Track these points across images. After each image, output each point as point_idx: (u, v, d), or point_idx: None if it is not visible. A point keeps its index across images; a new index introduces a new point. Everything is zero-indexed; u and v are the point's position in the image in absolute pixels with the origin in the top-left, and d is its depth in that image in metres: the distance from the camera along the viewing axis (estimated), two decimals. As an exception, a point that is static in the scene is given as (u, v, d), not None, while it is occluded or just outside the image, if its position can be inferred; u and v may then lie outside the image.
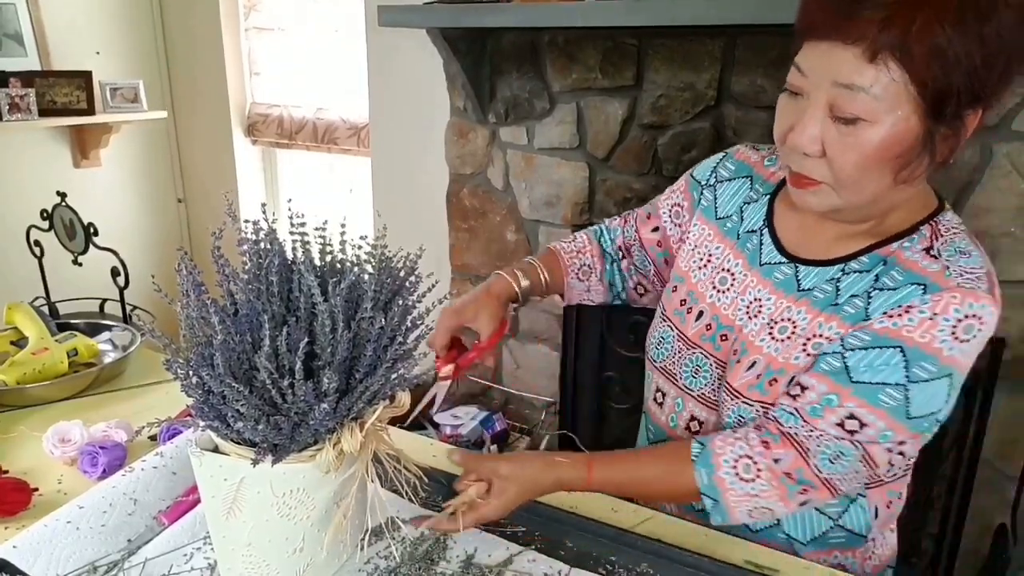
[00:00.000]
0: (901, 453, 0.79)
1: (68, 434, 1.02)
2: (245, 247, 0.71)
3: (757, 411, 0.86)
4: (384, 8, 1.88)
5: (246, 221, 0.71)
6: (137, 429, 1.05)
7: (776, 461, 0.80)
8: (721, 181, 0.98)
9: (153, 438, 1.06)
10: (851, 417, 0.77)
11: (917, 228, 0.81)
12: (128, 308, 1.96)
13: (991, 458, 1.65)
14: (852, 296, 0.81)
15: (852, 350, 0.78)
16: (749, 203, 0.95)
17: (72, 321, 1.40)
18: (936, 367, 0.75)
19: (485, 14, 1.75)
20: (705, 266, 0.96)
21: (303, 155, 3.02)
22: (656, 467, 0.85)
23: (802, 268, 0.86)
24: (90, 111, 2.63)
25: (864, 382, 0.77)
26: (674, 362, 0.97)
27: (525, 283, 1.01)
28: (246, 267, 0.71)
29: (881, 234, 0.82)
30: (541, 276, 1.04)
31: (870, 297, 0.79)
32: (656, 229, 1.06)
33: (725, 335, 0.92)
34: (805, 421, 0.79)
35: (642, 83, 1.87)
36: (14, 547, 0.77)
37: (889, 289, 0.78)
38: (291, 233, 0.72)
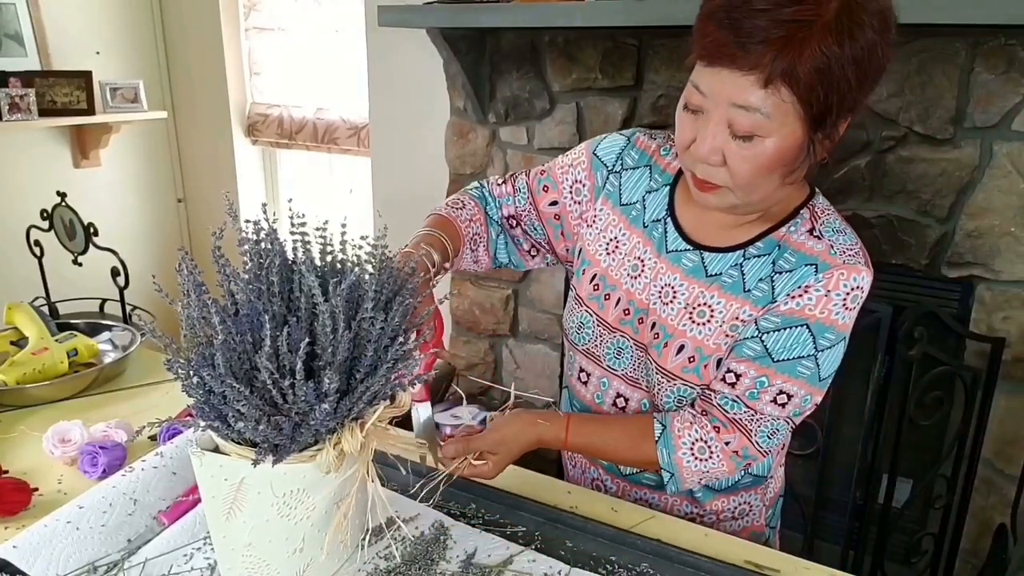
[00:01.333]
0: (813, 408, 0.94)
1: (68, 434, 1.01)
2: (246, 247, 0.71)
3: (698, 392, 0.96)
4: (384, 8, 1.88)
5: (247, 221, 0.71)
6: (137, 429, 1.05)
7: (727, 444, 0.92)
8: (626, 169, 1.02)
9: (153, 438, 1.06)
10: (781, 392, 0.90)
11: (798, 212, 0.93)
12: (128, 308, 1.96)
13: (991, 458, 1.65)
14: (759, 281, 0.92)
15: (767, 333, 0.90)
16: (651, 192, 1.01)
17: (72, 321, 1.40)
18: (835, 335, 0.89)
19: (485, 14, 1.75)
20: (614, 251, 1.01)
21: (303, 155, 3.02)
22: (624, 438, 0.96)
23: (707, 255, 0.95)
24: (90, 111, 2.63)
25: (784, 360, 0.90)
26: (596, 345, 1.03)
27: (436, 257, 0.96)
28: (247, 267, 0.71)
29: (770, 219, 0.93)
30: (447, 246, 1.00)
31: (773, 281, 0.91)
32: (555, 203, 1.06)
33: (642, 319, 0.99)
34: (747, 406, 0.92)
35: (642, 83, 1.87)
36: (14, 547, 0.77)
37: (787, 272, 0.90)
38: (291, 233, 0.72)
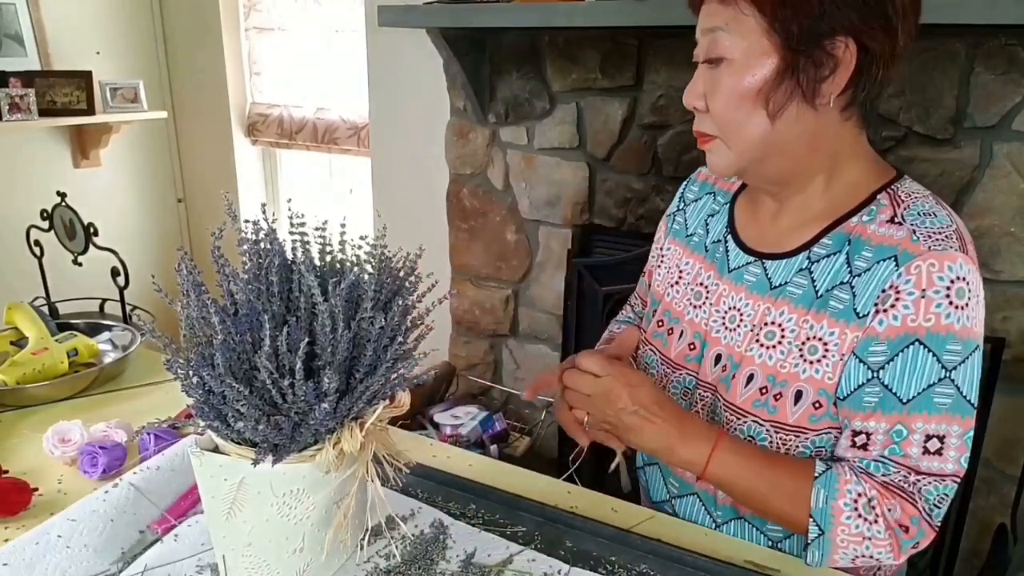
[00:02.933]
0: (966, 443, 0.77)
1: (68, 434, 1.01)
2: (245, 247, 0.71)
3: (768, 432, 0.83)
4: (384, 8, 1.88)
5: (246, 221, 0.71)
6: (137, 429, 1.05)
7: (889, 511, 0.75)
8: (688, 204, 1.01)
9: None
10: (929, 438, 0.74)
11: (873, 198, 0.80)
12: (128, 308, 1.96)
13: (991, 458, 1.65)
14: (833, 288, 0.79)
15: (881, 368, 0.75)
16: (712, 215, 0.96)
17: (72, 321, 1.40)
18: (960, 344, 0.73)
19: (485, 14, 1.75)
20: (678, 283, 0.96)
21: (303, 155, 3.02)
22: (775, 474, 0.79)
23: (769, 263, 0.86)
24: (90, 111, 2.63)
25: (914, 396, 0.74)
26: (662, 386, 0.95)
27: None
28: (246, 267, 0.71)
29: (836, 211, 0.82)
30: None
31: (853, 288, 0.78)
32: (649, 286, 1.07)
33: (718, 355, 0.89)
34: (896, 464, 0.76)
35: (642, 83, 1.87)
36: (5, 564, 0.76)
37: (864, 272, 0.77)
38: (291, 233, 0.72)
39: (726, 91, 0.76)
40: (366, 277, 0.71)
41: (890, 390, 0.75)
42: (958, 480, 0.76)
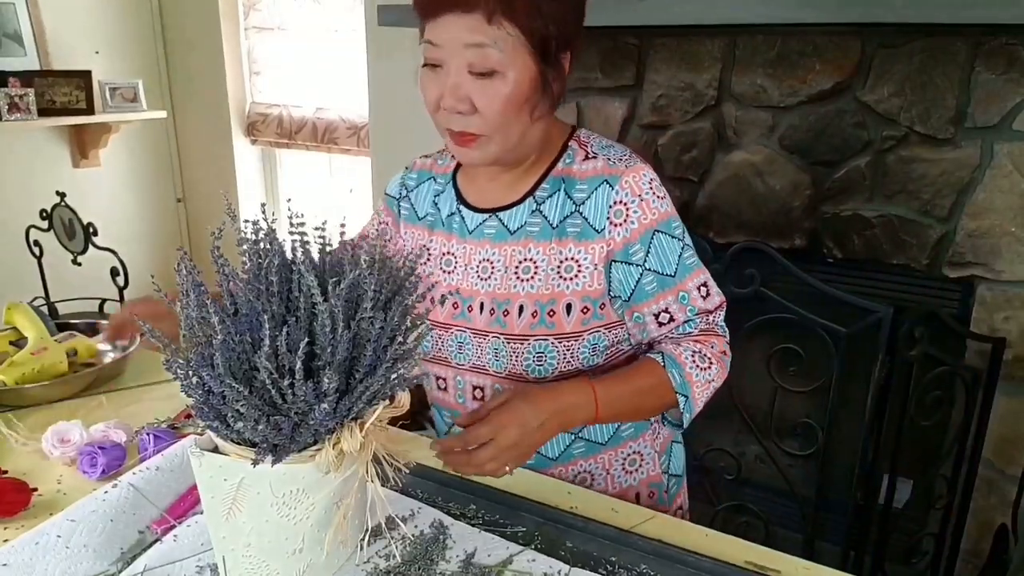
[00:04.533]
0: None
1: (67, 434, 1.01)
2: (245, 247, 0.71)
3: (553, 344, 0.98)
4: (384, 8, 1.88)
5: (246, 221, 0.71)
6: (136, 430, 1.05)
7: (712, 347, 0.98)
8: (411, 190, 1.13)
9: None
10: (698, 288, 0.99)
11: (566, 147, 1.01)
12: (128, 308, 1.95)
13: (991, 458, 1.65)
14: (565, 218, 0.97)
15: (644, 260, 0.96)
16: (439, 194, 1.09)
17: (71, 321, 1.40)
18: (676, 221, 0.98)
19: (485, 14, 1.75)
20: (428, 260, 1.08)
21: (303, 155, 3.02)
22: (642, 378, 0.95)
23: (503, 214, 1.01)
24: (89, 111, 2.63)
25: (675, 268, 0.97)
26: (439, 349, 1.06)
27: None
28: (246, 267, 0.71)
29: (543, 164, 1.00)
30: None
31: (583, 214, 0.97)
32: None
33: (471, 306, 1.02)
34: (698, 315, 0.98)
35: (642, 83, 1.87)
36: (4, 565, 0.76)
37: (587, 199, 0.96)
38: (291, 233, 0.72)
39: (501, 99, 0.88)
40: (365, 277, 0.71)
41: (660, 273, 0.96)
42: (723, 311, 1.01)
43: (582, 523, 0.87)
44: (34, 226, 2.03)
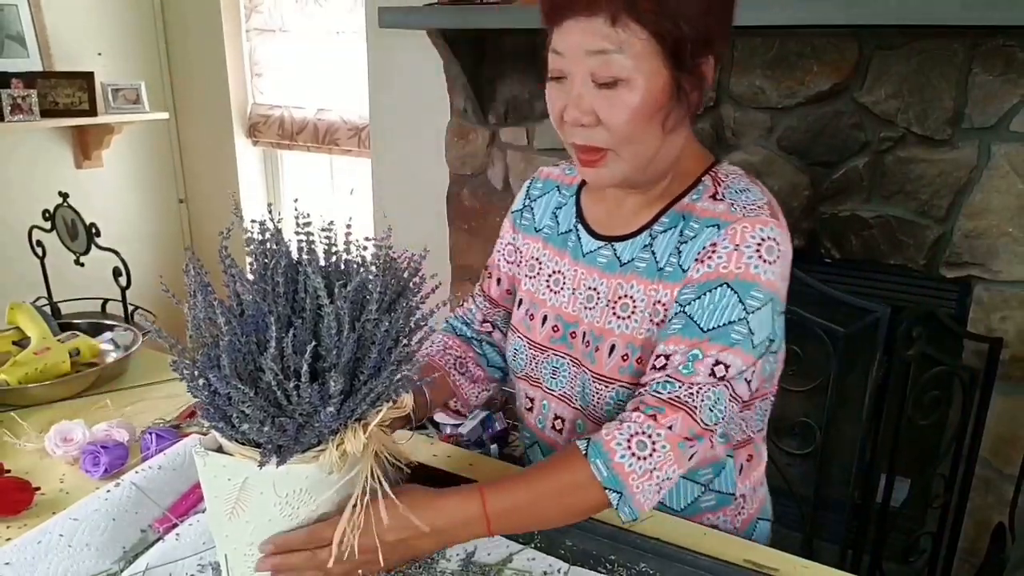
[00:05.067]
0: (749, 381, 0.85)
1: (70, 434, 1.02)
2: (251, 247, 0.72)
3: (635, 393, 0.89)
4: (385, 9, 1.88)
5: (252, 221, 0.72)
6: (143, 431, 1.06)
7: (670, 428, 0.80)
8: (534, 200, 1.07)
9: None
10: (717, 363, 0.82)
11: (699, 181, 0.90)
12: (130, 308, 1.96)
13: (989, 457, 1.65)
14: (668, 256, 0.89)
15: (688, 304, 0.84)
16: (560, 208, 1.03)
17: (74, 321, 1.40)
18: (762, 294, 0.82)
19: (485, 15, 1.76)
20: (538, 274, 1.02)
21: (304, 156, 3.03)
22: (550, 478, 0.81)
23: (618, 245, 0.94)
24: (92, 112, 2.64)
25: (714, 327, 0.82)
26: (533, 368, 1.01)
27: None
28: (252, 267, 0.72)
29: (671, 194, 0.91)
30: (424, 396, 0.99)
31: (680, 251, 0.87)
32: (500, 281, 1.10)
33: (573, 332, 0.97)
34: (681, 381, 0.81)
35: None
36: (7, 563, 0.77)
37: (691, 239, 0.87)
38: (296, 233, 0.73)
39: (629, 110, 0.80)
40: (371, 279, 0.71)
41: (692, 319, 0.83)
42: (727, 387, 0.83)
43: (582, 522, 0.88)
44: (37, 226, 2.03)
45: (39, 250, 2.02)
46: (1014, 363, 1.59)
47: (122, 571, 0.78)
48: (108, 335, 1.39)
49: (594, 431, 0.83)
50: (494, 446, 2.12)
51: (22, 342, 1.28)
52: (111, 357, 1.33)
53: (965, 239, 1.60)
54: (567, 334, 0.97)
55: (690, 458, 0.83)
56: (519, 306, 1.04)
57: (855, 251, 1.72)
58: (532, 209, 1.06)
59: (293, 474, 0.70)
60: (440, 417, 2.16)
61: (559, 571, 0.80)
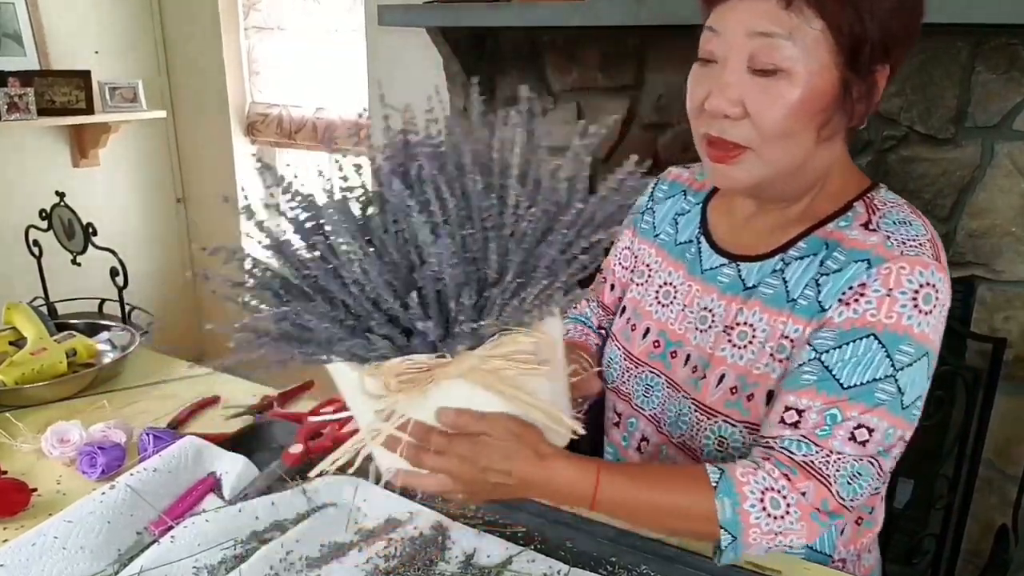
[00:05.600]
0: (893, 447, 0.77)
1: (67, 434, 1.01)
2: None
3: (741, 432, 0.81)
4: (384, 7, 1.87)
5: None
6: (147, 432, 1.05)
7: (803, 495, 0.72)
8: (658, 203, 0.99)
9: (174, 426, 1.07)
10: (859, 427, 0.73)
11: (850, 206, 0.80)
12: (127, 308, 1.95)
13: (992, 458, 1.64)
14: (803, 287, 0.78)
15: (826, 352, 0.74)
16: (682, 214, 0.95)
17: (71, 321, 1.39)
18: (914, 347, 0.73)
19: (485, 14, 1.75)
20: (647, 281, 0.95)
21: (302, 154, 3.02)
22: (671, 495, 0.74)
23: (743, 265, 0.84)
24: (89, 111, 2.62)
25: (856, 385, 0.73)
26: (624, 381, 0.95)
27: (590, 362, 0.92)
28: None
29: (814, 217, 0.81)
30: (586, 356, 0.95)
31: (819, 284, 0.77)
32: (613, 287, 1.04)
33: (675, 352, 0.89)
34: (819, 446, 0.73)
35: (643, 83, 1.87)
36: (1, 566, 0.76)
37: (834, 272, 0.76)
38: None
39: (785, 105, 0.71)
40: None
41: (830, 372, 0.74)
42: (873, 464, 0.75)
43: (582, 523, 0.87)
44: (33, 226, 2.02)
45: (35, 250, 2.01)
46: (1018, 363, 1.58)
47: (117, 574, 0.78)
48: (105, 335, 1.38)
49: (685, 462, 0.78)
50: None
51: (18, 342, 1.28)
52: (108, 357, 1.32)
53: (968, 238, 1.59)
54: (667, 352, 0.89)
55: (821, 534, 0.74)
56: (621, 313, 0.98)
57: (857, 250, 1.71)
58: (653, 212, 0.98)
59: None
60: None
61: (559, 573, 0.79)
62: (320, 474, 0.68)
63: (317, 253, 0.63)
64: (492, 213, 0.60)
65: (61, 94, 2.59)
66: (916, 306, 0.73)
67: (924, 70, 1.55)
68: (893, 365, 0.73)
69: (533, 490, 0.72)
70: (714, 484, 0.73)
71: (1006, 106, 1.49)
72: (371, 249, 0.61)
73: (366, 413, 0.66)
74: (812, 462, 0.73)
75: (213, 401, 1.18)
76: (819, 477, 0.73)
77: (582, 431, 0.69)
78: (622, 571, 0.80)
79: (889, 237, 0.75)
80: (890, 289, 0.73)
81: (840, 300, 0.75)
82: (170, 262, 3.25)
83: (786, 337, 0.79)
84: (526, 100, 0.63)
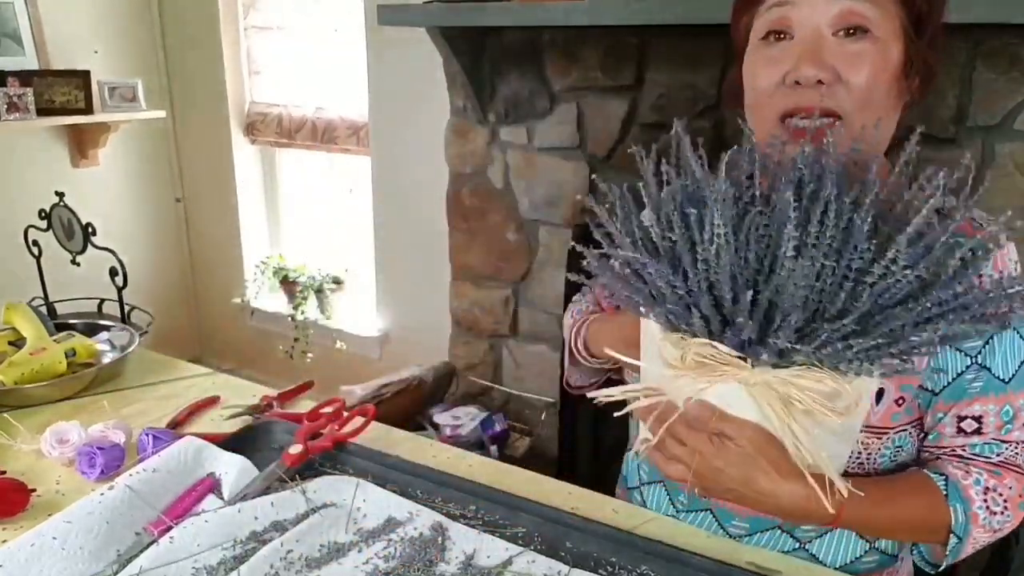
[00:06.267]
0: None
1: (66, 434, 1.01)
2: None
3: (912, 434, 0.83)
4: (384, 7, 1.87)
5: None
6: (146, 432, 1.05)
7: (1010, 488, 0.77)
8: None
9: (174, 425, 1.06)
10: None
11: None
12: (126, 308, 1.95)
13: (992, 458, 1.64)
14: None
15: (979, 353, 0.77)
16: None
17: (70, 321, 1.39)
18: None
19: (485, 13, 1.75)
20: None
21: (302, 154, 3.02)
22: (910, 509, 0.77)
23: None
24: (88, 110, 2.62)
25: (1013, 375, 0.76)
26: None
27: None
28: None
29: None
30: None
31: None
32: None
33: None
34: (1007, 442, 0.78)
35: (643, 82, 1.87)
36: (0, 566, 0.76)
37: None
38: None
39: (873, 64, 0.71)
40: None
41: (991, 372, 0.77)
42: None
43: (582, 523, 0.87)
44: (33, 226, 2.02)
45: (35, 250, 2.00)
46: (1017, 363, 1.58)
47: (116, 574, 0.77)
48: (105, 335, 1.39)
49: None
50: (494, 447, 2.11)
51: (18, 342, 1.27)
52: (108, 357, 1.32)
53: (968, 238, 1.59)
54: None
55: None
56: None
57: (857, 250, 1.71)
58: None
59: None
60: (440, 418, 2.15)
61: (559, 573, 0.79)
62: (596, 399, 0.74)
63: (684, 224, 0.65)
64: (864, 257, 0.60)
65: (60, 94, 2.59)
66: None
67: (924, 70, 1.55)
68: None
69: (766, 505, 0.72)
70: (944, 492, 0.76)
71: (1007, 106, 1.49)
72: (733, 239, 0.62)
73: (652, 373, 0.70)
74: (1008, 458, 0.78)
75: (213, 401, 1.18)
76: (1015, 469, 0.78)
77: (846, 494, 0.68)
78: (622, 571, 0.80)
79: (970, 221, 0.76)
80: (1000, 271, 0.76)
81: None
82: (170, 262, 3.25)
83: None
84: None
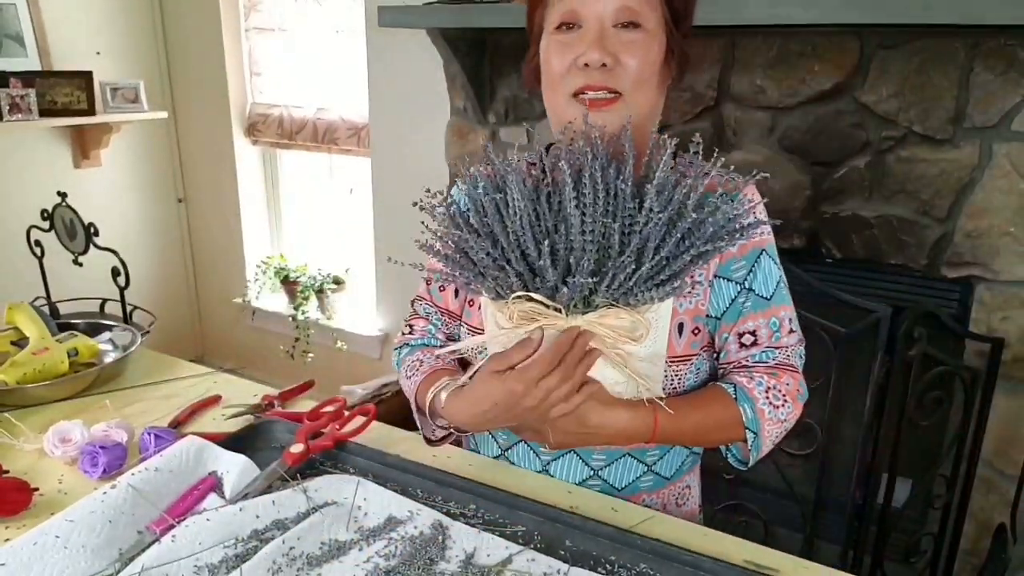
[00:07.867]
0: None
1: (69, 434, 1.01)
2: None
3: (664, 367, 0.94)
4: (384, 8, 1.88)
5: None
6: (148, 431, 1.05)
7: (788, 385, 0.93)
8: None
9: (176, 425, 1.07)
10: (790, 320, 0.95)
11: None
12: (128, 308, 1.95)
13: (990, 458, 1.65)
14: None
15: (744, 279, 0.93)
16: None
17: (72, 321, 1.40)
18: (774, 251, 0.95)
19: (485, 14, 1.75)
20: None
21: (303, 155, 3.02)
22: (711, 415, 0.91)
23: None
24: (90, 111, 2.63)
25: (772, 294, 0.94)
26: None
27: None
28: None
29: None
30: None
31: None
32: (458, 292, 1.05)
33: None
34: (778, 348, 0.94)
35: (642, 83, 1.87)
36: (2, 565, 0.76)
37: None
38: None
39: (644, 52, 0.87)
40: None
41: (756, 292, 0.93)
42: (800, 336, 0.97)
43: (582, 522, 0.87)
44: (35, 226, 2.03)
45: (37, 250, 2.01)
46: (1015, 363, 1.58)
47: (118, 573, 0.78)
48: (107, 335, 1.39)
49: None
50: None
51: (20, 342, 1.28)
52: (110, 357, 1.32)
53: (966, 239, 1.59)
54: None
55: (803, 412, 0.96)
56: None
57: (856, 251, 1.72)
58: None
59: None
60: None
61: (559, 572, 0.79)
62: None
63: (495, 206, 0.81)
64: (631, 214, 0.78)
65: (63, 95, 2.60)
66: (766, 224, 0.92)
67: (922, 71, 1.55)
68: (777, 268, 0.95)
69: (600, 436, 0.87)
70: (733, 396, 0.91)
71: (1004, 107, 1.50)
72: (533, 210, 0.79)
73: (494, 345, 0.85)
74: (782, 361, 0.95)
75: (214, 401, 1.18)
76: (790, 368, 0.95)
77: (666, 408, 0.86)
78: (621, 570, 0.81)
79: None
80: (756, 215, 0.90)
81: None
82: (171, 262, 3.26)
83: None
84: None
